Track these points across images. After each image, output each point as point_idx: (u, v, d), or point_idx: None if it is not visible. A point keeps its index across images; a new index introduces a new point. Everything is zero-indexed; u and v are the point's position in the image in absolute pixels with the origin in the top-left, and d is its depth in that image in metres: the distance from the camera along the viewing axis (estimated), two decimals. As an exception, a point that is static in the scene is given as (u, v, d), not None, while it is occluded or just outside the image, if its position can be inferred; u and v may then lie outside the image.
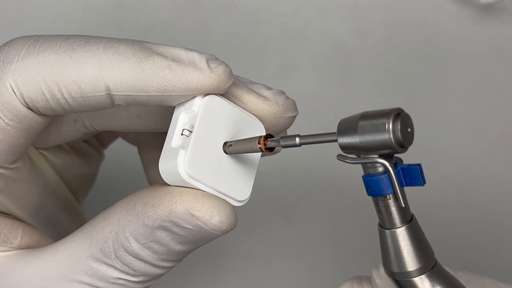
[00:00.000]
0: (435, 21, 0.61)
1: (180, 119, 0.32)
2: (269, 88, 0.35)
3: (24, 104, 0.32)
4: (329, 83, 0.60)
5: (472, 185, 0.60)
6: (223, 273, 0.58)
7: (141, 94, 0.31)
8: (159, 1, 0.58)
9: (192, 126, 0.32)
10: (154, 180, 0.43)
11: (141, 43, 0.32)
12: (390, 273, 0.31)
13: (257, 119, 0.34)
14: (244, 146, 0.32)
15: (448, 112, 0.60)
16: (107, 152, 0.46)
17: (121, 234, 0.33)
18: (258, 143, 0.31)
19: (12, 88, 0.32)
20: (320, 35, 0.60)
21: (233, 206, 0.33)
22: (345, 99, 0.60)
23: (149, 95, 0.31)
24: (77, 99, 0.32)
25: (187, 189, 0.32)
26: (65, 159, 0.42)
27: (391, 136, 0.27)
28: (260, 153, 0.34)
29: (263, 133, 0.34)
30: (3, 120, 0.33)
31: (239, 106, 0.34)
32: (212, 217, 0.31)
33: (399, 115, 0.28)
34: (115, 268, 0.34)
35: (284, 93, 0.35)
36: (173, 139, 0.32)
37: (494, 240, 0.60)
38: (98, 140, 0.44)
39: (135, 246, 0.33)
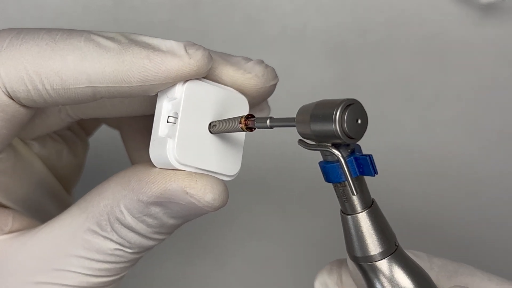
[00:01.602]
0: (435, 21, 0.61)
1: (164, 107, 0.33)
2: (247, 60, 0.35)
3: (6, 93, 0.33)
4: (329, 83, 0.60)
5: (472, 184, 0.60)
6: (223, 273, 0.58)
7: (123, 85, 0.32)
8: (159, 1, 0.58)
9: (176, 113, 0.33)
10: (136, 158, 0.44)
11: (121, 34, 0.33)
12: (354, 258, 0.31)
13: (240, 94, 0.35)
14: (227, 126, 0.33)
15: (448, 112, 0.60)
16: (93, 143, 0.47)
17: (116, 208, 0.34)
18: (240, 123, 0.32)
19: None
20: (320, 35, 0.60)
21: (225, 182, 0.34)
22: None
23: (131, 86, 0.32)
24: (58, 91, 0.33)
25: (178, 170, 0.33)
26: (52, 148, 0.42)
27: (337, 127, 0.27)
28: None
29: (247, 107, 0.35)
30: None
31: (219, 83, 0.34)
32: (205, 194, 0.32)
33: (350, 105, 0.28)
34: (111, 240, 0.35)
35: (263, 62, 0.36)
36: (160, 128, 0.33)
37: (494, 239, 0.60)
38: (82, 128, 0.45)
39: (129, 219, 0.34)
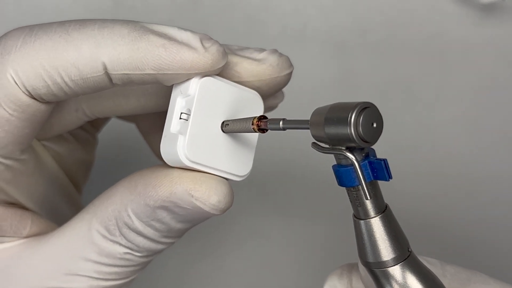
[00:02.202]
0: (435, 21, 0.61)
1: (178, 103, 0.33)
2: (261, 50, 0.35)
3: (27, 93, 0.33)
4: (329, 83, 0.60)
5: (472, 184, 0.60)
6: (224, 274, 0.58)
7: (136, 72, 0.32)
8: (159, 1, 0.58)
9: (189, 110, 0.32)
10: (157, 149, 0.43)
11: (136, 22, 0.33)
12: (366, 263, 0.31)
13: (256, 93, 0.35)
14: (240, 126, 0.33)
15: (448, 112, 0.60)
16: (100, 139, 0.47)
17: (123, 213, 0.34)
18: (252, 124, 0.32)
19: (13, 78, 0.32)
20: (320, 35, 0.60)
21: (231, 184, 0.33)
22: (345, 99, 0.60)
23: (144, 74, 0.32)
24: (77, 81, 0.32)
25: (187, 170, 0.33)
26: (65, 147, 0.42)
27: (352, 130, 0.27)
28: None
29: (261, 107, 0.35)
30: (7, 111, 0.33)
31: (234, 77, 0.34)
32: (210, 197, 0.32)
33: (365, 109, 0.27)
34: (120, 244, 0.35)
35: (276, 51, 0.36)
36: (172, 124, 0.32)
37: (494, 239, 0.60)
38: (91, 125, 0.45)
39: (137, 223, 0.34)
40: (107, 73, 0.32)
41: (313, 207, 0.59)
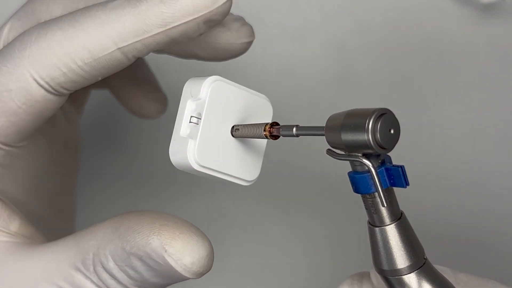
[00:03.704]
0: (435, 21, 0.61)
1: (188, 106, 0.33)
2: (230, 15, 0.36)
3: (46, 85, 0.34)
4: (329, 83, 0.60)
5: (473, 185, 0.60)
6: (223, 274, 0.58)
7: (145, 36, 0.32)
8: (159, 1, 0.57)
9: (200, 114, 0.32)
10: (131, 105, 0.45)
11: None
12: (380, 271, 0.31)
13: (266, 98, 0.35)
14: (250, 132, 0.33)
15: (448, 112, 0.60)
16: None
17: (101, 251, 0.33)
18: (264, 130, 0.32)
19: (29, 73, 0.33)
20: (320, 35, 0.60)
21: (208, 245, 0.33)
22: (345, 99, 0.60)
23: (154, 35, 0.32)
24: (91, 63, 0.33)
25: (169, 223, 0.32)
26: (54, 126, 0.42)
27: (370, 137, 0.27)
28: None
29: (271, 113, 0.35)
30: (15, 103, 0.34)
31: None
32: (184, 256, 0.30)
33: (382, 115, 0.27)
34: (92, 281, 0.33)
35: (242, 19, 0.36)
36: (182, 127, 0.33)
37: (494, 240, 0.60)
38: (73, 104, 0.45)
39: (112, 265, 0.33)
40: (118, 48, 0.33)
41: (314, 207, 0.59)
